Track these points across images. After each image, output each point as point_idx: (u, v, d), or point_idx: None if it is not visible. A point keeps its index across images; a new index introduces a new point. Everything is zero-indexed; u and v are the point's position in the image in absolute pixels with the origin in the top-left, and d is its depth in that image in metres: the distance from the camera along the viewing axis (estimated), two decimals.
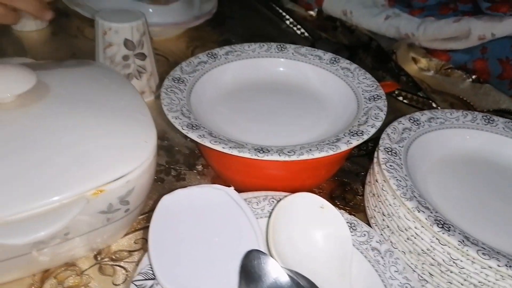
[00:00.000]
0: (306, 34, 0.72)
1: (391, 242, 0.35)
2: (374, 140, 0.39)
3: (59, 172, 0.28)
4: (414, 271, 0.33)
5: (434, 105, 0.57)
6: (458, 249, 0.29)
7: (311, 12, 0.77)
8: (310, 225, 0.33)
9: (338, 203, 0.43)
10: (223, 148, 0.34)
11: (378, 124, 0.38)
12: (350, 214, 0.37)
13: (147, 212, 0.39)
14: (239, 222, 0.32)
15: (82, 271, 0.34)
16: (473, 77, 0.61)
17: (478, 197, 0.37)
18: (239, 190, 0.34)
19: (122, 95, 0.37)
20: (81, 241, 0.31)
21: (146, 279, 0.28)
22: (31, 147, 0.29)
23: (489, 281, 0.29)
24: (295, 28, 0.73)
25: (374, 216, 0.37)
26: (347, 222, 0.34)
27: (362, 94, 0.44)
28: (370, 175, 0.39)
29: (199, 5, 0.68)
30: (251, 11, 0.78)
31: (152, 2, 0.63)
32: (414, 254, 0.33)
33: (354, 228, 0.34)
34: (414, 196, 0.32)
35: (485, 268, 0.29)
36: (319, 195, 0.34)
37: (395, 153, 0.36)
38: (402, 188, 0.33)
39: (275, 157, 0.34)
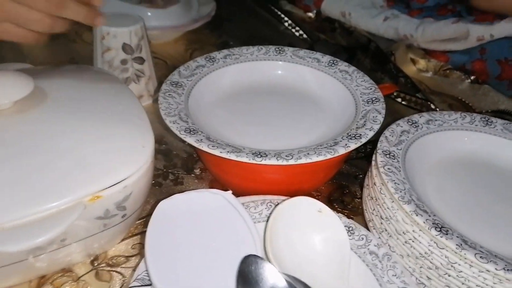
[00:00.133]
0: (304, 35, 0.72)
1: (389, 245, 0.35)
2: (373, 143, 0.39)
3: (55, 178, 0.29)
4: (412, 274, 0.33)
5: (432, 106, 0.56)
6: (456, 252, 0.29)
7: (310, 14, 0.77)
8: (308, 229, 0.33)
9: (337, 206, 0.43)
10: (221, 152, 0.34)
11: (376, 127, 0.38)
12: (349, 217, 0.37)
13: (145, 217, 0.39)
14: (236, 227, 0.32)
15: (79, 277, 0.34)
16: (472, 78, 0.61)
17: (476, 200, 0.37)
18: (237, 194, 0.34)
19: (120, 100, 0.37)
20: (78, 247, 0.31)
21: (142, 286, 0.28)
22: (28, 153, 0.29)
23: (487, 285, 0.29)
24: (293, 30, 0.73)
25: (372, 220, 0.37)
26: (345, 226, 0.34)
27: (361, 96, 0.43)
28: (368, 178, 0.39)
29: (197, 8, 0.68)
30: (249, 13, 0.78)
31: (150, 5, 0.64)
32: (412, 258, 0.33)
33: (352, 231, 0.34)
34: (412, 200, 0.32)
35: (483, 272, 0.29)
36: (317, 198, 0.34)
37: (393, 156, 0.36)
38: (400, 192, 0.33)
39: (272, 162, 0.34)
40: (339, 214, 0.35)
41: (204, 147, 0.35)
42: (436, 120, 0.41)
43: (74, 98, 0.35)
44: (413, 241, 0.32)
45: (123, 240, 0.37)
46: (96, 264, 0.35)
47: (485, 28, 0.60)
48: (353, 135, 0.37)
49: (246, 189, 0.38)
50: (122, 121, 0.34)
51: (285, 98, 0.47)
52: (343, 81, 0.46)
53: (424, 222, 0.30)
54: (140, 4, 0.63)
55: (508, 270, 0.28)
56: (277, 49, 0.50)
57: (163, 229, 0.31)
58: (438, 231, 0.30)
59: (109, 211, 0.30)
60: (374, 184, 0.36)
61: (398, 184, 0.33)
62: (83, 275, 0.34)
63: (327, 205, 0.33)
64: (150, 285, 0.29)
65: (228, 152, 0.34)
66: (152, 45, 0.53)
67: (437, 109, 0.56)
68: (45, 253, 0.30)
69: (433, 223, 0.30)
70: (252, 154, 0.35)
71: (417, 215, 0.31)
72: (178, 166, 0.45)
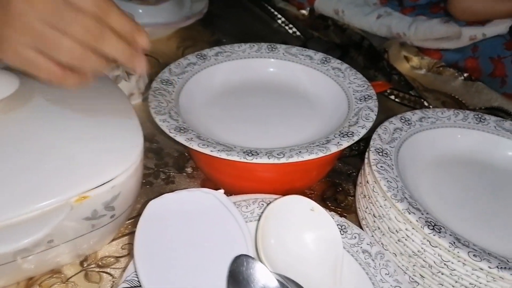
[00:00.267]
0: (298, 33, 0.71)
1: (382, 244, 0.34)
2: (366, 140, 0.39)
3: (41, 179, 0.28)
4: (405, 273, 0.33)
5: (426, 103, 0.56)
6: (449, 251, 0.29)
7: (303, 11, 0.76)
8: (300, 228, 0.33)
9: (330, 204, 0.43)
10: (211, 151, 0.34)
11: (369, 125, 0.38)
12: (342, 215, 0.36)
13: (135, 217, 0.38)
14: (228, 226, 0.32)
15: (68, 278, 0.33)
16: (465, 75, 0.61)
17: (469, 197, 0.37)
18: (229, 192, 0.34)
19: (109, 99, 0.36)
20: (66, 248, 0.31)
21: (132, 287, 0.28)
22: (13, 153, 0.29)
23: (480, 283, 0.29)
24: (287, 27, 0.73)
25: (365, 218, 0.36)
26: (338, 225, 0.33)
27: (353, 94, 0.43)
28: (361, 176, 0.38)
29: (189, 5, 0.68)
30: (242, 10, 0.78)
31: (141, 2, 0.63)
32: (405, 256, 0.33)
33: (344, 230, 0.34)
34: (405, 198, 0.32)
35: (476, 270, 0.28)
36: (310, 197, 0.33)
37: (386, 153, 0.36)
38: (393, 190, 0.32)
39: (264, 160, 0.34)
40: (332, 212, 0.35)
41: (194, 145, 0.34)
42: (429, 118, 0.41)
43: (61, 97, 0.34)
44: (406, 240, 0.32)
45: (113, 240, 0.36)
46: (85, 265, 0.34)
47: (477, 28, 0.61)
48: (346, 133, 0.37)
49: (238, 187, 0.38)
50: (110, 120, 0.33)
51: (277, 96, 0.47)
52: (336, 79, 0.46)
53: (417, 220, 0.30)
54: (131, 1, 0.62)
55: (501, 268, 0.28)
56: (269, 46, 0.50)
57: (153, 229, 0.31)
58: (431, 229, 0.30)
59: (97, 212, 0.30)
60: (367, 182, 0.36)
61: (391, 182, 0.33)
62: (72, 276, 0.33)
63: (320, 203, 0.33)
64: (139, 286, 0.28)
65: (218, 150, 0.34)
66: None
67: (430, 106, 0.56)
68: (33, 255, 0.29)
69: (426, 221, 0.30)
70: (243, 152, 0.34)
71: (410, 213, 0.31)
72: (170, 165, 0.45)
